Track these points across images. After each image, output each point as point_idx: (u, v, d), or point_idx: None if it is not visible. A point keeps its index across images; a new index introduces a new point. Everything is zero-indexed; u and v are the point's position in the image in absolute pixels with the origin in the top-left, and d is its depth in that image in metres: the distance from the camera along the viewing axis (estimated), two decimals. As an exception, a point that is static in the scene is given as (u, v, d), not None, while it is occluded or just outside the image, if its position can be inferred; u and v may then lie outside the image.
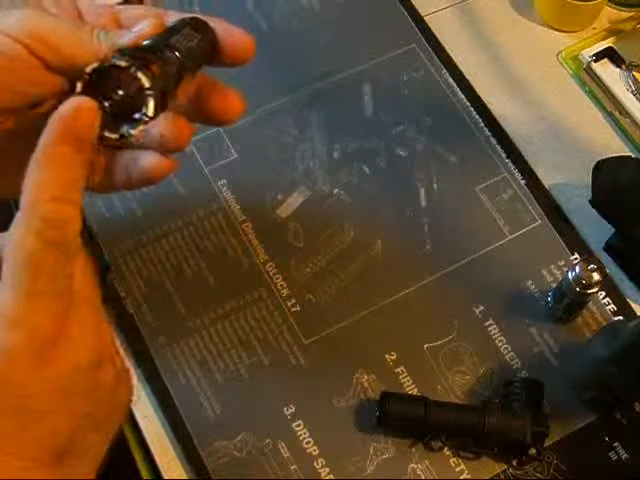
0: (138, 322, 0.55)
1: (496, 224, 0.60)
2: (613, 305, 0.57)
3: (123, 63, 0.35)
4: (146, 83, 0.35)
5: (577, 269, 0.51)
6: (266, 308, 0.56)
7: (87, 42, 0.37)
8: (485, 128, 0.63)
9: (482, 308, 0.56)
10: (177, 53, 0.38)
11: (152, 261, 0.57)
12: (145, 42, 0.37)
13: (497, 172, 0.62)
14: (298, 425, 0.53)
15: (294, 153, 0.61)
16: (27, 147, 0.37)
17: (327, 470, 0.52)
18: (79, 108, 0.33)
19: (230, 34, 0.41)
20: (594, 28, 0.68)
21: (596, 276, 0.51)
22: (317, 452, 0.52)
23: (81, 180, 0.33)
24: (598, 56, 0.65)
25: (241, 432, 0.52)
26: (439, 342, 0.55)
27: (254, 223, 0.59)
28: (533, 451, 0.50)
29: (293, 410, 0.53)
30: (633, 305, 0.57)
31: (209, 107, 0.41)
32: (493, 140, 0.63)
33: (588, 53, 0.65)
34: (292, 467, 0.52)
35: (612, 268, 0.58)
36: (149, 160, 0.40)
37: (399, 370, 0.54)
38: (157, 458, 0.52)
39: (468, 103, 0.64)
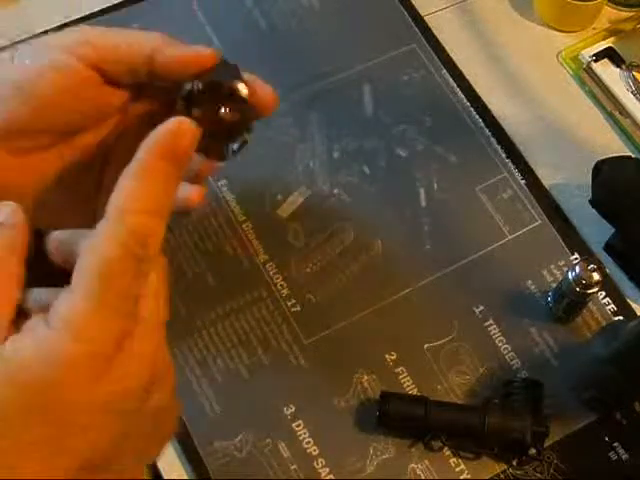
0: (138, 322, 0.55)
1: (496, 224, 0.60)
2: (613, 305, 0.57)
3: (222, 79, 0.36)
4: (245, 94, 0.36)
5: (577, 269, 0.51)
6: (266, 308, 0.56)
7: (138, 41, 0.37)
8: (485, 128, 0.63)
9: (482, 308, 0.56)
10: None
11: (152, 261, 0.57)
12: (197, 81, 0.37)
13: (497, 172, 0.62)
14: (298, 425, 0.53)
15: (294, 153, 0.61)
16: (78, 176, 0.37)
17: (327, 470, 0.52)
18: (180, 128, 0.33)
19: (259, 85, 0.41)
20: (594, 28, 0.68)
21: (596, 276, 0.51)
22: (317, 452, 0.52)
23: (172, 197, 0.33)
24: (598, 56, 0.65)
25: (241, 432, 0.52)
26: (439, 342, 0.55)
27: (254, 223, 0.59)
28: (533, 451, 0.50)
29: (293, 410, 0.53)
30: (633, 305, 0.57)
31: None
32: (493, 140, 0.63)
33: (588, 53, 0.65)
34: (292, 467, 0.52)
35: (612, 268, 0.58)
36: (185, 191, 0.40)
37: (399, 370, 0.54)
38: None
39: (468, 103, 0.64)
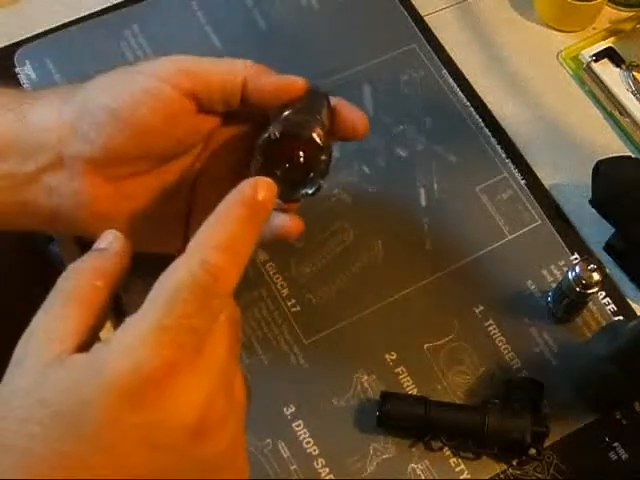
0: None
1: (496, 224, 0.60)
2: (613, 305, 0.57)
3: (299, 131, 0.37)
4: (320, 142, 0.37)
5: (577, 269, 0.51)
6: (266, 308, 0.56)
7: (228, 69, 0.39)
8: (485, 128, 0.63)
9: (482, 308, 0.56)
10: (318, 116, 0.40)
11: (152, 262, 0.57)
12: (287, 112, 0.39)
13: (497, 172, 0.62)
14: (298, 425, 0.53)
15: (294, 153, 0.61)
16: (169, 201, 0.38)
17: (327, 470, 0.52)
18: (258, 182, 0.34)
19: (348, 109, 0.43)
20: (594, 28, 0.68)
21: (596, 276, 0.51)
22: (317, 452, 0.52)
23: (251, 244, 0.33)
24: (598, 56, 0.65)
25: (241, 432, 0.52)
26: (439, 342, 0.55)
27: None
28: (533, 451, 0.50)
29: (293, 410, 0.53)
30: (633, 305, 0.57)
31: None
32: (493, 140, 0.63)
33: (588, 53, 0.65)
34: (292, 467, 0.52)
35: (612, 268, 0.58)
36: (282, 221, 0.42)
37: (399, 370, 0.54)
38: (157, 458, 0.52)
39: (468, 103, 0.64)
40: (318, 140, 0.37)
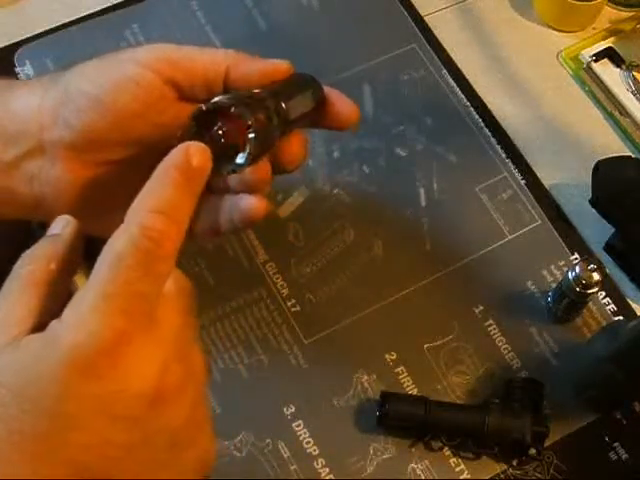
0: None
1: (496, 224, 0.60)
2: (613, 305, 0.57)
3: (227, 102, 0.36)
4: (249, 122, 0.36)
5: (577, 269, 0.51)
6: (266, 308, 0.56)
7: (214, 59, 0.39)
8: (485, 128, 0.63)
9: (482, 308, 0.56)
10: (284, 105, 0.39)
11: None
12: (255, 90, 0.39)
13: (497, 172, 0.62)
14: (298, 425, 0.53)
15: (294, 153, 0.61)
16: (136, 185, 0.38)
17: (327, 470, 0.52)
18: (190, 146, 0.34)
19: (341, 100, 0.43)
20: (594, 28, 0.68)
21: (596, 276, 0.51)
22: (317, 452, 0.52)
23: (189, 208, 0.33)
24: (598, 56, 0.65)
25: (241, 432, 0.52)
26: (439, 342, 0.55)
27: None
28: (533, 451, 0.50)
29: (293, 410, 0.53)
30: (633, 305, 0.57)
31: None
32: (493, 140, 0.63)
33: (588, 53, 0.65)
34: (292, 467, 0.52)
35: (612, 268, 0.58)
36: (248, 202, 0.41)
37: (399, 370, 0.54)
38: (157, 458, 0.52)
39: (468, 103, 0.64)
40: (247, 120, 0.36)
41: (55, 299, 0.33)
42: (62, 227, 0.35)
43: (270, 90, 0.39)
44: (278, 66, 0.40)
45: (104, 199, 0.41)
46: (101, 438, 0.30)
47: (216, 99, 0.36)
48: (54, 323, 0.31)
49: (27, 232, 0.67)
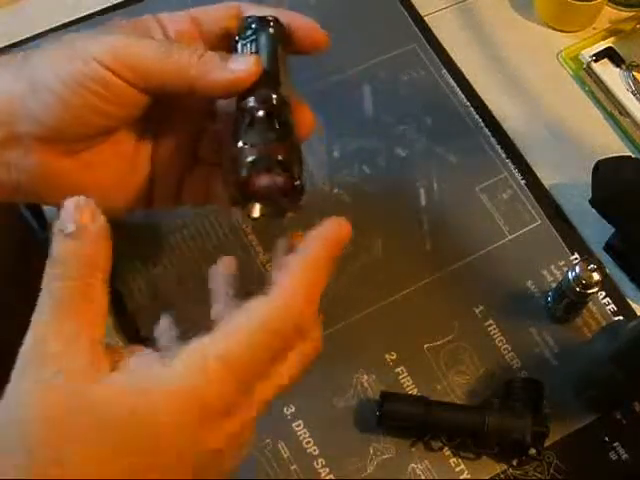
0: (138, 322, 0.55)
1: (496, 224, 0.60)
2: (613, 305, 0.57)
3: (262, 165, 0.38)
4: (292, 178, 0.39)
5: (577, 269, 0.51)
6: (266, 308, 0.56)
7: (175, 69, 0.38)
8: (485, 128, 0.63)
9: (482, 308, 0.56)
10: (282, 97, 0.40)
11: (152, 261, 0.57)
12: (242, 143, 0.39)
13: (497, 172, 0.62)
14: (298, 425, 0.53)
15: (294, 153, 0.61)
16: (131, 160, 0.40)
17: (327, 470, 0.52)
18: (343, 229, 0.37)
19: (304, 27, 0.43)
20: (594, 28, 0.68)
21: (596, 276, 0.51)
22: (317, 452, 0.52)
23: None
24: (598, 56, 0.65)
25: (241, 432, 0.52)
26: (439, 342, 0.55)
27: (254, 223, 0.58)
28: (533, 451, 0.50)
29: (293, 410, 0.53)
30: (633, 305, 0.57)
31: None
32: (493, 140, 0.63)
33: (588, 53, 0.65)
34: (292, 467, 0.52)
35: (612, 268, 0.58)
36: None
37: (399, 370, 0.54)
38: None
39: (468, 103, 0.64)
40: (288, 178, 0.38)
41: (104, 314, 0.33)
42: (79, 217, 0.33)
43: (265, 100, 0.39)
44: (245, 75, 0.39)
45: (88, 181, 0.41)
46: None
47: (247, 160, 0.37)
48: (159, 368, 0.31)
49: (27, 231, 0.67)
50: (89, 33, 0.40)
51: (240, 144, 0.38)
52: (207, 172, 0.44)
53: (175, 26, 0.42)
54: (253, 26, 0.42)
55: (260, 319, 0.33)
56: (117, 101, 0.38)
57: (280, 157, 0.38)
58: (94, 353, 0.32)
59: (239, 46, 0.41)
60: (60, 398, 0.30)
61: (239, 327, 0.32)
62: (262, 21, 0.42)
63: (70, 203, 0.33)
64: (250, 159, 0.38)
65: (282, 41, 0.43)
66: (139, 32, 0.41)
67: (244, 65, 0.39)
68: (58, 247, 0.32)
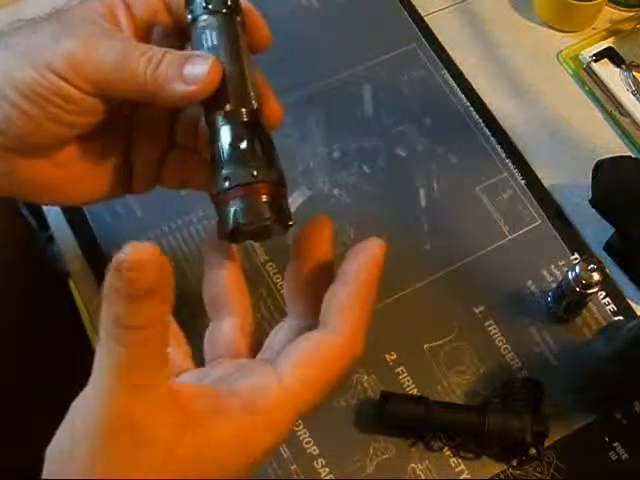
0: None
1: (496, 224, 0.60)
2: (613, 305, 0.57)
3: (248, 223, 0.36)
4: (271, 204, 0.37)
5: (577, 269, 0.51)
6: (266, 308, 0.56)
7: (134, 81, 0.37)
8: (485, 128, 0.63)
9: (482, 308, 0.56)
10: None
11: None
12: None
13: (497, 172, 0.62)
14: (298, 425, 0.53)
15: (294, 153, 0.61)
16: (105, 152, 0.40)
17: (327, 470, 0.52)
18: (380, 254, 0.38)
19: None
20: (594, 28, 0.68)
21: (596, 276, 0.51)
22: (317, 452, 0.52)
23: None
24: (598, 56, 0.65)
25: (241, 432, 0.52)
26: (439, 342, 0.55)
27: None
28: (533, 451, 0.50)
29: (293, 410, 0.53)
30: (633, 305, 0.57)
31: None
32: (493, 140, 0.63)
33: (588, 53, 0.65)
34: (292, 467, 0.52)
35: (612, 268, 0.58)
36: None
37: (399, 370, 0.54)
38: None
39: (468, 103, 0.64)
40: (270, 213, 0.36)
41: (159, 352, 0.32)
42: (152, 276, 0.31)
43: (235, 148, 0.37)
44: (199, 88, 0.36)
45: (65, 177, 0.41)
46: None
47: (231, 212, 0.36)
48: (242, 416, 0.32)
49: (27, 231, 0.67)
50: (47, 33, 0.38)
51: (220, 184, 0.36)
52: (185, 156, 0.42)
53: (140, 5, 0.39)
54: (210, 7, 0.37)
55: (333, 369, 0.34)
56: (77, 110, 0.37)
57: (265, 198, 0.36)
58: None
59: (196, 32, 0.37)
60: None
61: (319, 379, 0.33)
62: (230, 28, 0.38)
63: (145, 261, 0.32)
64: (234, 209, 0.36)
65: (242, 22, 0.40)
66: (105, 20, 0.38)
67: (201, 71, 0.36)
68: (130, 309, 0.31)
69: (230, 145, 0.36)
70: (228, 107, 0.36)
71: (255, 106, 0.37)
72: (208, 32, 0.37)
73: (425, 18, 0.67)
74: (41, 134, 0.38)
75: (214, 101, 0.37)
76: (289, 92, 0.63)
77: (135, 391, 0.30)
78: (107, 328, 0.30)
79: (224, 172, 0.36)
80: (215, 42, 0.37)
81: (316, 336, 0.34)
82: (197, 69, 0.36)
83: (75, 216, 0.59)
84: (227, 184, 0.35)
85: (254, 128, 0.37)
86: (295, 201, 0.59)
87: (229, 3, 0.38)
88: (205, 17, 0.37)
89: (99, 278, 0.57)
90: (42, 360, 0.59)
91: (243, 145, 0.36)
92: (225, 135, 0.36)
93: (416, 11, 0.68)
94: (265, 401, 0.32)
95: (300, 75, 0.65)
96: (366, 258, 0.36)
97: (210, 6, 0.37)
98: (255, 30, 0.41)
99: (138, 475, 0.30)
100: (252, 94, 0.38)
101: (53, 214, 0.60)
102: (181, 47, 0.40)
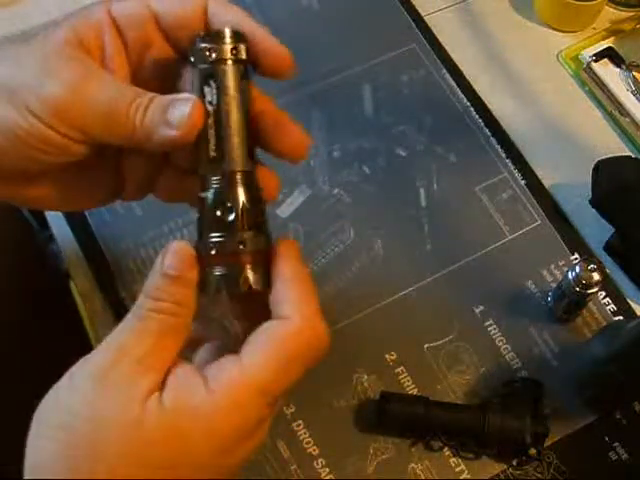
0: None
1: (496, 224, 0.60)
2: (613, 305, 0.57)
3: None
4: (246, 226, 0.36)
5: (577, 269, 0.51)
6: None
7: (122, 130, 0.36)
8: (485, 128, 0.63)
9: (482, 308, 0.56)
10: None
11: (152, 261, 0.56)
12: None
13: (497, 172, 0.62)
14: (298, 425, 0.53)
15: (294, 153, 0.61)
16: (96, 165, 0.39)
17: (327, 470, 0.52)
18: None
19: (271, 50, 0.39)
20: (594, 28, 0.68)
21: (596, 276, 0.51)
22: (317, 452, 0.52)
23: None
24: (598, 56, 0.65)
25: (241, 432, 0.52)
26: (439, 342, 0.55)
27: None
28: (533, 451, 0.50)
29: (293, 410, 0.53)
30: (633, 305, 0.57)
31: (275, 146, 0.41)
32: (493, 140, 0.63)
33: (588, 53, 0.65)
34: (292, 467, 0.52)
35: (612, 268, 0.58)
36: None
37: (399, 370, 0.54)
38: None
39: (468, 103, 0.64)
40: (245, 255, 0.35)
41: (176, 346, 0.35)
42: (180, 265, 0.36)
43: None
44: (183, 133, 0.36)
45: (46, 195, 0.40)
46: None
47: (215, 277, 0.35)
48: (204, 396, 0.33)
49: (27, 231, 0.67)
50: (32, 71, 0.36)
51: (207, 246, 0.35)
52: (177, 174, 0.42)
53: (131, 30, 0.38)
54: (213, 56, 0.35)
55: (293, 351, 0.34)
56: (59, 152, 0.36)
57: (250, 267, 0.35)
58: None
59: (197, 79, 0.36)
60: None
61: (277, 357, 0.34)
62: (223, 48, 0.35)
63: (173, 248, 0.36)
64: (218, 276, 0.35)
65: (248, 76, 0.37)
66: (93, 54, 0.37)
67: (182, 113, 0.35)
68: (158, 284, 0.36)
69: (220, 210, 0.35)
70: (224, 166, 0.35)
71: (248, 168, 0.36)
72: (208, 86, 0.35)
73: (425, 18, 0.67)
74: (21, 169, 0.37)
75: (205, 155, 0.36)
76: (289, 92, 0.63)
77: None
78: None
79: (212, 236, 0.35)
80: (215, 100, 0.35)
81: (270, 323, 0.35)
82: (178, 112, 0.35)
83: (75, 216, 0.59)
84: (213, 252, 0.35)
85: (246, 191, 0.36)
86: (295, 201, 0.60)
87: (233, 52, 0.36)
88: (206, 66, 0.35)
89: (99, 278, 0.57)
90: (42, 360, 0.59)
91: (231, 217, 0.35)
92: (215, 198, 0.35)
93: (416, 11, 0.68)
94: (226, 380, 0.33)
95: (300, 75, 0.64)
96: (283, 258, 0.37)
97: (214, 55, 0.35)
98: (271, 57, 0.39)
99: (101, 443, 0.32)
100: (246, 155, 0.36)
101: (53, 214, 0.60)
102: (176, 72, 0.39)
